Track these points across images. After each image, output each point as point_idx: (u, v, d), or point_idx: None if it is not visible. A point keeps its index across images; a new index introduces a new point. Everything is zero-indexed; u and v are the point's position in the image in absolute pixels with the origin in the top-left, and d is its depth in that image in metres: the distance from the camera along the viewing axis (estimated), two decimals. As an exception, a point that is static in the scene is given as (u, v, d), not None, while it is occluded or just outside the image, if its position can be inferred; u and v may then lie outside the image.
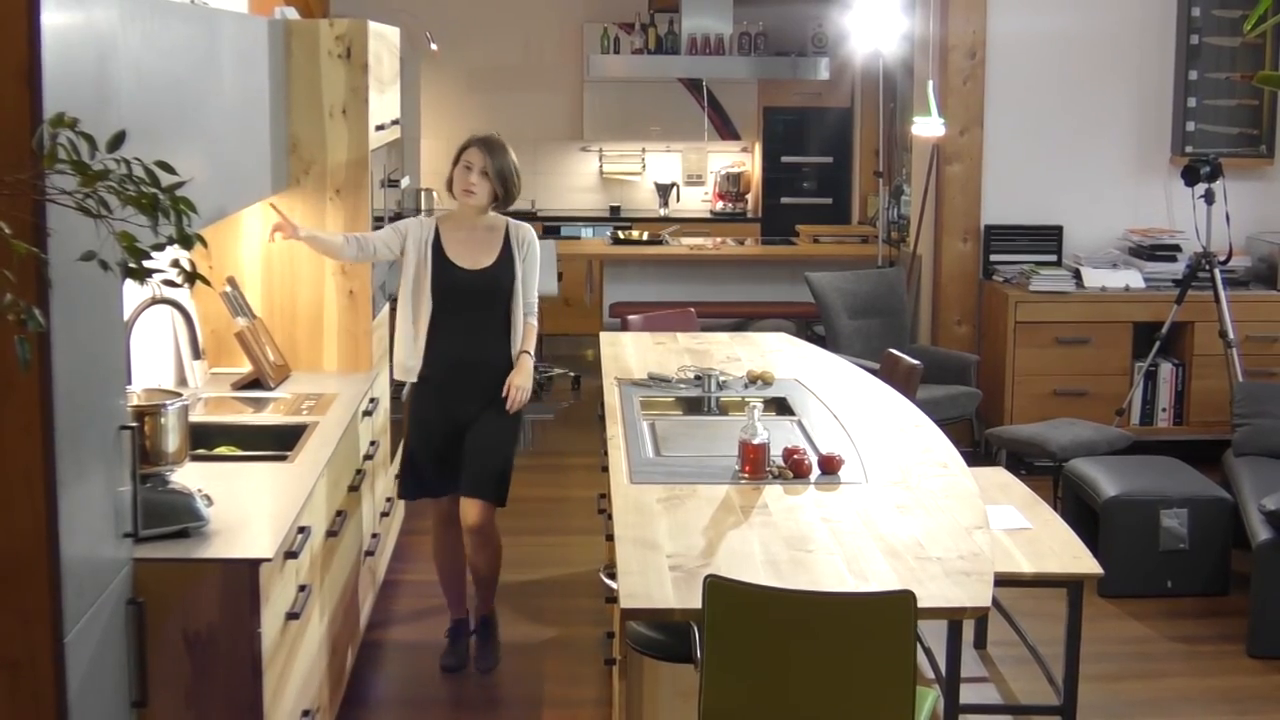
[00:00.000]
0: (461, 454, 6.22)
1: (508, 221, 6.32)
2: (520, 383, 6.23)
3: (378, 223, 6.80)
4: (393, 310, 6.49)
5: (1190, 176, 8.91)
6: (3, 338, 3.03)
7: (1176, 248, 9.54)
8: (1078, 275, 9.47)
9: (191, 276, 3.25)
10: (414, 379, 6.24)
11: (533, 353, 6.32)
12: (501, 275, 6.22)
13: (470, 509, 6.21)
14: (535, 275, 6.35)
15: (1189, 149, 9.65)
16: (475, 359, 6.22)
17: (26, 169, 3.06)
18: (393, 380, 6.65)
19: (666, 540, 4.60)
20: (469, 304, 6.20)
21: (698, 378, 6.48)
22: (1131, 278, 9.41)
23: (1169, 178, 9.72)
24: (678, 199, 13.72)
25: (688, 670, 4.49)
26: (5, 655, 3.41)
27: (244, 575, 4.15)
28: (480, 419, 6.22)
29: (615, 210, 13.59)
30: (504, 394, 6.18)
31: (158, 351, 5.78)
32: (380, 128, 6.88)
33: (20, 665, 3.42)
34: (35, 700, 3.43)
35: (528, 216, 12.74)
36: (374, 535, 6.46)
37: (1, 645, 3.40)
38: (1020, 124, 9.77)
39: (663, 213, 13.55)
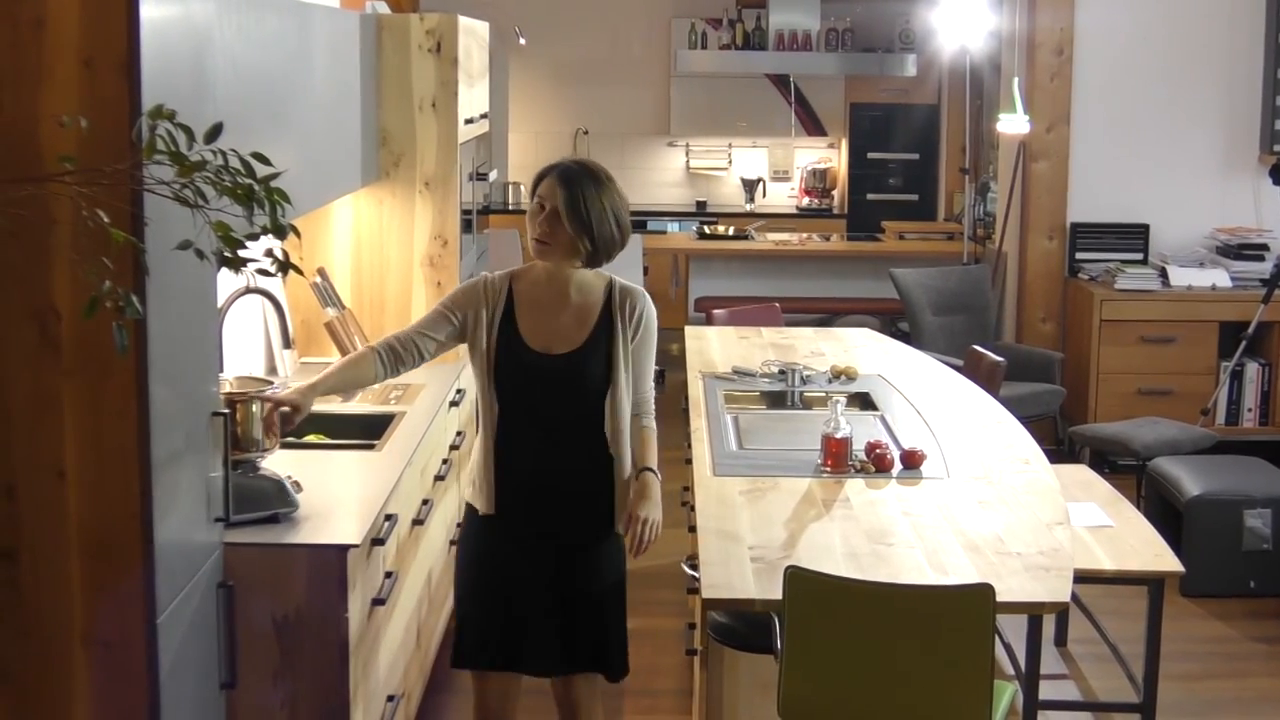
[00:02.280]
0: (536, 614, 4.59)
1: (611, 283, 4.61)
2: (647, 513, 4.51)
3: (465, 215, 6.84)
4: None
5: (1278, 175, 8.85)
6: (101, 324, 3.10)
7: (1264, 247, 9.48)
8: (1164, 274, 9.42)
9: (285, 266, 3.31)
10: (490, 509, 4.59)
11: (657, 469, 4.67)
12: (592, 363, 4.52)
13: (575, 689, 4.72)
14: (651, 360, 4.66)
15: (1277, 147, 9.57)
16: (557, 482, 4.55)
17: (125, 159, 3.12)
18: (467, 507, 4.76)
19: (748, 532, 4.64)
20: (547, 403, 4.52)
21: (781, 372, 6.51)
22: (1218, 277, 9.36)
23: (1257, 176, 9.66)
24: (764, 194, 13.73)
25: (768, 661, 4.53)
26: (100, 634, 3.48)
27: (332, 561, 4.22)
28: (571, 564, 4.57)
29: (701, 205, 13.62)
30: (623, 529, 4.58)
31: (249, 340, 5.85)
32: (469, 121, 6.93)
33: (114, 645, 3.49)
34: (128, 679, 3.50)
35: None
36: (459, 524, 6.52)
37: (96, 625, 3.48)
38: (1107, 121, 9.73)
39: (748, 208, 13.56)
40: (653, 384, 4.71)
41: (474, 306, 4.57)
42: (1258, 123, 9.69)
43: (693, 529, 4.96)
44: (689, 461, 5.61)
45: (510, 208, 12.94)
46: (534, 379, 4.52)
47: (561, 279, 4.55)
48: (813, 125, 13.80)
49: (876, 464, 5.23)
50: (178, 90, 3.46)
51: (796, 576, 4.05)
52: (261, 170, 3.10)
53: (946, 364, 7.19)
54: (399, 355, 4.59)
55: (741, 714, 4.99)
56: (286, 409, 4.43)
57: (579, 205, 4.43)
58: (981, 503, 4.95)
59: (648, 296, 4.65)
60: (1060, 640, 6.58)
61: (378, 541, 4.59)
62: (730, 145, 13.84)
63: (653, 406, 4.73)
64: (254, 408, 4.36)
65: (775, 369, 6.60)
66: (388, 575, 4.79)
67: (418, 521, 5.38)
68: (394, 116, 6.52)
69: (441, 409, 5.93)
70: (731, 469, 5.31)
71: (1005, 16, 10.29)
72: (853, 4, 13.43)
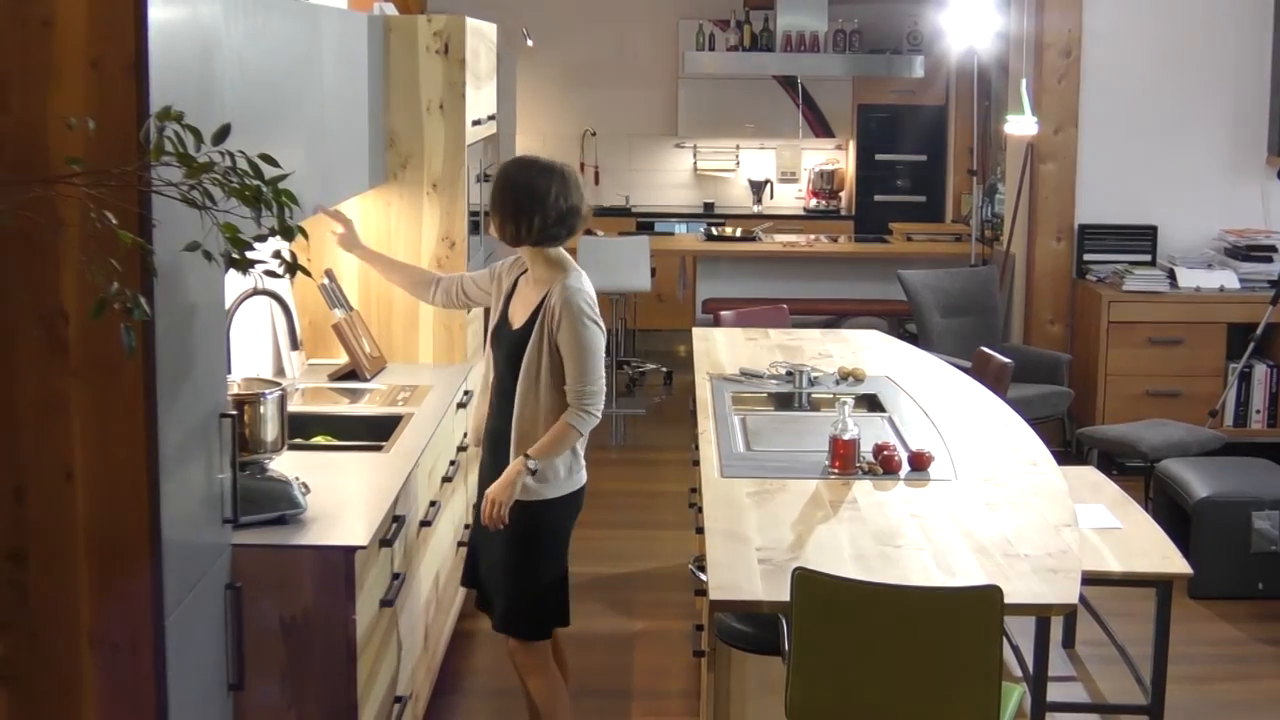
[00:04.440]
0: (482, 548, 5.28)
1: (560, 276, 5.09)
2: (494, 494, 4.98)
3: (473, 217, 6.85)
4: None
5: (1287, 177, 8.85)
6: (109, 325, 3.10)
7: (1272, 248, 9.47)
8: (1172, 275, 9.42)
9: (292, 267, 3.32)
10: (476, 442, 5.41)
11: (540, 459, 4.97)
12: (527, 340, 5.05)
13: (510, 640, 5.27)
14: (578, 356, 4.98)
15: (1286, 149, 9.59)
16: (498, 444, 5.17)
17: (133, 161, 3.13)
18: None
19: (756, 534, 4.63)
20: (508, 369, 5.12)
21: (789, 374, 6.50)
22: (1226, 278, 9.34)
23: (1265, 177, 9.65)
24: (771, 196, 13.73)
25: (775, 663, 4.53)
26: (107, 636, 3.48)
27: (340, 562, 4.22)
28: (499, 529, 5.05)
29: (709, 207, 13.62)
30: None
31: (257, 342, 5.85)
32: (477, 123, 6.94)
33: (121, 646, 3.49)
34: (135, 680, 3.50)
35: (622, 213, 12.83)
36: (467, 526, 6.51)
37: (104, 626, 3.47)
38: (1115, 123, 9.72)
39: (756, 209, 13.56)
40: (589, 384, 4.98)
41: (503, 274, 5.31)
42: (1266, 124, 9.67)
43: (700, 530, 4.96)
44: (696, 463, 5.61)
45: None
46: (498, 345, 5.19)
47: (530, 264, 5.18)
48: (820, 127, 13.80)
49: (884, 466, 5.22)
50: (185, 92, 3.46)
51: (804, 578, 4.05)
52: (269, 172, 3.11)
53: (954, 365, 7.18)
54: (448, 290, 5.59)
55: (749, 716, 4.99)
56: (343, 230, 5.74)
57: (495, 192, 5.08)
58: (989, 504, 4.94)
59: (573, 296, 5.02)
60: (1068, 642, 6.58)
61: (385, 543, 4.60)
62: (738, 147, 13.84)
63: (586, 404, 4.99)
64: (261, 408, 4.37)
65: (783, 370, 6.60)
66: (395, 577, 4.79)
67: (425, 523, 5.38)
68: (402, 118, 6.53)
69: (449, 411, 5.94)
70: (739, 470, 5.31)
71: (1013, 18, 10.28)
72: (860, 5, 13.42)
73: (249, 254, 3.22)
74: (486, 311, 5.45)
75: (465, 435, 6.44)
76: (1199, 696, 6.15)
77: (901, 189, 13.79)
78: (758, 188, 13.66)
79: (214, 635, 3.89)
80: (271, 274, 3.32)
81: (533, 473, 4.96)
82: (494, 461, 5.16)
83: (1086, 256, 9.78)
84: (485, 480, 5.19)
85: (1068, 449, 9.10)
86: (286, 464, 4.55)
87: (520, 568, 5.09)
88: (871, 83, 13.65)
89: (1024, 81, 9.64)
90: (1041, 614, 5.04)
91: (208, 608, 3.82)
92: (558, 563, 5.18)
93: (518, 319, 5.12)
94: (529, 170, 5.08)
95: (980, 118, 11.83)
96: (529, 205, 5.00)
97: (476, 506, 5.24)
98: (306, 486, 4.49)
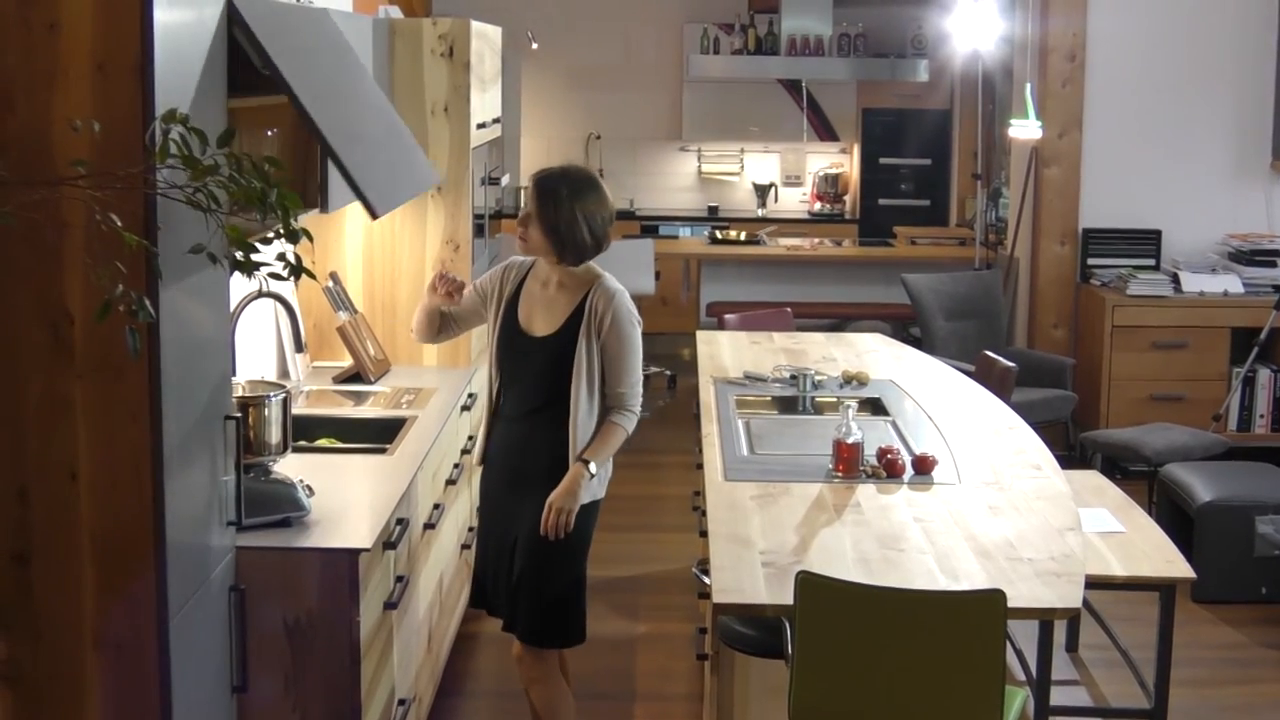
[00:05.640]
0: (502, 564, 5.13)
1: (597, 280, 5.11)
2: (559, 503, 4.92)
3: (478, 220, 6.85)
4: None
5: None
6: (114, 327, 3.10)
7: (1276, 253, 9.45)
8: (1176, 280, 9.41)
9: (297, 270, 3.32)
10: (479, 460, 5.30)
11: (597, 463, 5.00)
12: (561, 347, 5.02)
13: (516, 645, 5.20)
14: (626, 358, 5.06)
15: (1290, 154, 9.58)
16: (527, 454, 5.07)
17: (138, 163, 3.14)
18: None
19: (759, 537, 4.64)
20: (528, 381, 5.08)
21: (793, 377, 6.50)
22: (1230, 283, 9.34)
23: (1269, 182, 9.65)
24: (775, 199, 13.73)
25: (778, 666, 4.54)
26: (111, 636, 3.49)
27: (343, 565, 4.22)
28: (529, 534, 5.00)
29: (713, 210, 13.61)
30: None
31: (261, 344, 5.85)
32: (481, 126, 6.94)
33: (125, 647, 3.50)
34: (139, 682, 3.51)
35: (627, 216, 12.81)
36: (470, 529, 6.52)
37: (108, 627, 3.48)
38: (1119, 127, 9.72)
39: (760, 213, 13.56)
40: (633, 385, 5.09)
41: (495, 287, 5.21)
42: (1269, 128, 9.67)
43: (704, 534, 4.96)
44: (700, 466, 5.61)
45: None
46: (518, 356, 5.09)
47: (555, 271, 5.09)
48: (825, 130, 13.80)
49: (888, 469, 5.23)
50: (190, 94, 3.47)
51: (807, 581, 4.05)
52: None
53: (958, 369, 7.18)
54: (444, 325, 5.36)
55: (752, 719, 4.99)
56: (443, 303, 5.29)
57: (549, 210, 4.97)
58: (992, 508, 4.94)
59: (620, 298, 5.08)
60: (1071, 646, 6.57)
61: (389, 545, 4.60)
62: (742, 150, 13.84)
63: (631, 404, 5.11)
64: (266, 411, 4.37)
65: (787, 374, 6.60)
66: (399, 579, 4.80)
67: (429, 525, 5.38)
68: (406, 121, 6.51)
69: (453, 413, 5.93)
70: (743, 474, 5.31)
71: (1017, 22, 10.28)
72: (865, 9, 13.43)
73: (253, 256, 3.22)
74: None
75: (470, 439, 6.43)
76: (1202, 700, 6.14)
77: (905, 193, 13.78)
78: (762, 191, 13.66)
79: (218, 637, 3.89)
80: (276, 276, 3.32)
81: (592, 476, 4.98)
82: (524, 480, 5.05)
83: (1090, 260, 9.78)
84: (500, 492, 5.15)
85: (1071, 453, 9.10)
86: (290, 466, 4.55)
87: (557, 574, 5.04)
88: (876, 86, 13.65)
89: (1028, 85, 9.63)
90: (1044, 618, 5.02)
91: (211, 609, 3.83)
92: (582, 567, 5.15)
93: (542, 326, 5.07)
94: (586, 185, 5.10)
95: (984, 122, 11.84)
96: (591, 223, 5.04)
97: (481, 524, 5.27)
98: (310, 489, 4.49)
